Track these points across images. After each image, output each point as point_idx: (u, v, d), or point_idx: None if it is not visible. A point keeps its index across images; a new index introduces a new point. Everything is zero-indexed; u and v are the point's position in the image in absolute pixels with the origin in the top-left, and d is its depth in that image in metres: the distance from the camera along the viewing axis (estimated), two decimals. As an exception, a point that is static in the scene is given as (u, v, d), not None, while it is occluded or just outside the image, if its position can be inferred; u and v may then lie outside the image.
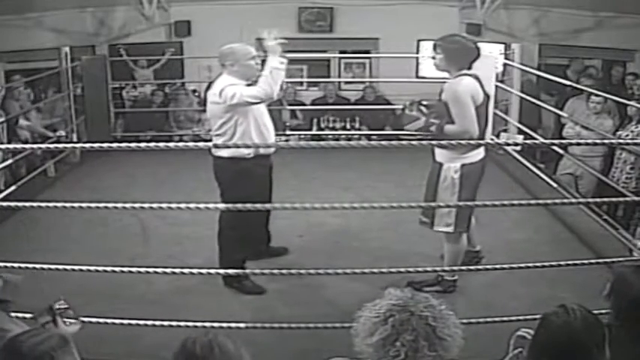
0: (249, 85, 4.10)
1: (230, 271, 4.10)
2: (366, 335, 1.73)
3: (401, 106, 4.12)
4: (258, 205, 3.67)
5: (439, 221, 4.06)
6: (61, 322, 2.26)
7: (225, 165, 4.21)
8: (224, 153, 4.18)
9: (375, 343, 1.70)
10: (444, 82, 3.99)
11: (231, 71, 4.15)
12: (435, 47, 4.02)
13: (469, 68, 3.96)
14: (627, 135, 5.92)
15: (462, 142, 3.63)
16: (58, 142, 7.01)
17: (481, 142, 3.97)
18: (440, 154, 4.00)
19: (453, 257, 4.15)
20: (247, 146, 4.09)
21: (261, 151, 4.23)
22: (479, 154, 4.00)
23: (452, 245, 4.13)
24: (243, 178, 4.16)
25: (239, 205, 3.77)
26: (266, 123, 4.27)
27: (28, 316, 2.51)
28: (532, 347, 2.04)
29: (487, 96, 4.01)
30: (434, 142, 3.77)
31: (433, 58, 4.05)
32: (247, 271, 4.20)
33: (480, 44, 4.11)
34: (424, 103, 4.02)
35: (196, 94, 8.81)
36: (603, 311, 2.36)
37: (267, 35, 3.99)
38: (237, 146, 4.08)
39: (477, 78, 3.95)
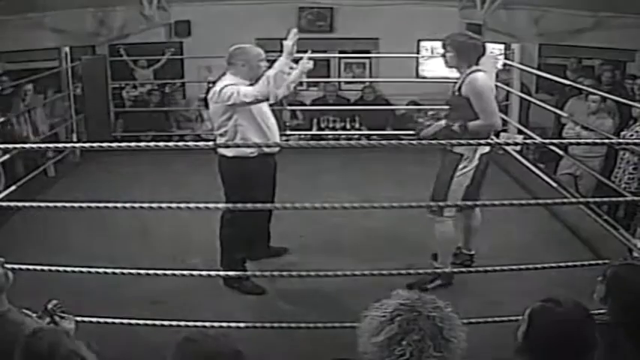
0: (251, 84, 4.09)
1: (230, 273, 4.11)
2: (372, 334, 1.72)
3: (419, 120, 4.22)
4: (259, 205, 3.67)
5: (448, 210, 4.15)
6: (59, 321, 2.30)
7: (229, 164, 4.21)
8: (228, 152, 4.18)
9: (381, 342, 1.69)
10: (449, 81, 4.07)
11: (239, 71, 4.14)
12: (444, 45, 4.07)
13: (477, 64, 4.00)
14: (632, 135, 5.92)
15: (462, 141, 3.65)
16: (57, 141, 7.03)
17: (481, 141, 3.99)
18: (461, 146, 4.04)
19: (446, 245, 4.26)
20: (248, 145, 4.09)
21: (266, 150, 4.22)
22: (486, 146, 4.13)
23: (441, 233, 4.21)
24: (246, 177, 4.16)
25: (239, 205, 3.78)
26: (268, 123, 4.25)
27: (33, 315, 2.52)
28: (527, 341, 2.02)
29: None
30: (434, 141, 3.79)
31: (443, 55, 4.09)
32: (248, 273, 4.20)
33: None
34: (430, 112, 4.16)
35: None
36: (602, 311, 2.37)
37: (291, 36, 3.97)
38: (237, 145, 4.09)
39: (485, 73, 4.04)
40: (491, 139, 4.17)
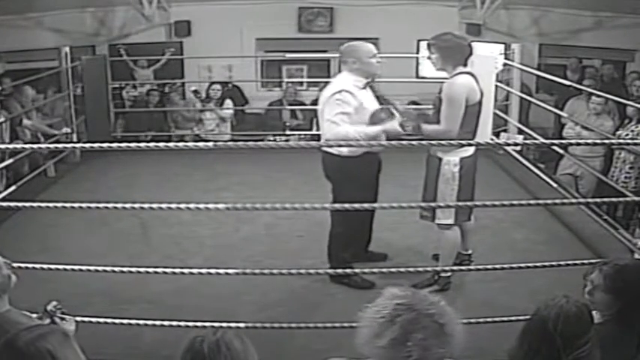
0: (367, 82, 4.21)
1: (231, 271, 4.08)
2: (373, 337, 1.71)
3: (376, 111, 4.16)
4: (268, 206, 3.63)
5: (441, 214, 4.10)
6: (59, 322, 2.30)
7: (339, 163, 4.18)
8: (335, 150, 4.16)
9: (385, 345, 1.68)
10: (444, 82, 4.02)
11: (353, 69, 4.18)
12: (429, 47, 4.06)
13: (464, 65, 3.98)
14: (627, 134, 5.92)
15: (462, 141, 3.65)
16: (58, 141, 7.01)
17: (481, 142, 3.99)
18: (437, 149, 4.02)
19: (449, 250, 4.20)
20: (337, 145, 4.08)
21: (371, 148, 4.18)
22: (471, 148, 4.07)
23: (449, 238, 4.17)
24: (354, 175, 4.15)
25: (239, 205, 3.76)
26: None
27: (33, 316, 2.52)
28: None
29: (482, 94, 4.04)
30: (434, 142, 3.78)
31: (429, 57, 4.08)
32: (230, 270, 4.01)
33: (472, 41, 4.13)
34: (397, 106, 4.14)
35: (198, 95, 8.80)
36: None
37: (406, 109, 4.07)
38: (259, 143, 4.08)
39: (472, 75, 3.98)
40: (492, 139, 4.16)
